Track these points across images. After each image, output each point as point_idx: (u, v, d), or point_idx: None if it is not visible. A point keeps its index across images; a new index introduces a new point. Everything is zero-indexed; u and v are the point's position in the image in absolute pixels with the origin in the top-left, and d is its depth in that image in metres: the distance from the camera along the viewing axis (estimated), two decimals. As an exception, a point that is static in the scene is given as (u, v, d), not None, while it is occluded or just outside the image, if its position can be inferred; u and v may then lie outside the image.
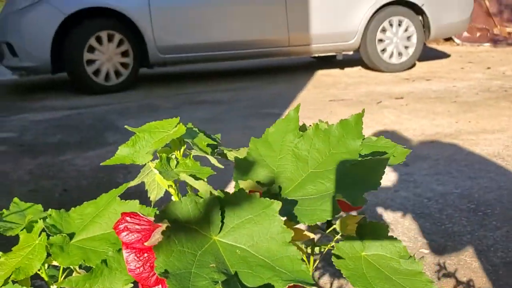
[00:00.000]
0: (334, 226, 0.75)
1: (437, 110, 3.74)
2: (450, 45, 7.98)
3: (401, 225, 1.96)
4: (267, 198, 0.49)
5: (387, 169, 2.45)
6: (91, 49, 4.69)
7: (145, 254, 0.46)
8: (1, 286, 0.58)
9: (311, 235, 0.66)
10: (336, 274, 1.64)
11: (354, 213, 0.74)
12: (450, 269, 1.65)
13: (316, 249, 0.74)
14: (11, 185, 2.38)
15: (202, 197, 0.49)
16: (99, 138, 3.23)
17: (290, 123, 0.69)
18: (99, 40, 4.71)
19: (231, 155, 0.77)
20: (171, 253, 0.41)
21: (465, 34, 7.75)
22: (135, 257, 0.46)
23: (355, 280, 0.63)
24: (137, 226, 0.47)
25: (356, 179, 0.63)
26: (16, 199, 0.71)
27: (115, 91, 4.80)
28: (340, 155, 0.67)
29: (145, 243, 0.46)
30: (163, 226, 0.45)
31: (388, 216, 2.04)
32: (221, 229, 0.47)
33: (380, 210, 2.10)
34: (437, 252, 1.75)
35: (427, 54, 6.61)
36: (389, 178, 2.43)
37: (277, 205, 0.49)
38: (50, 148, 3.04)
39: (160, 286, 0.55)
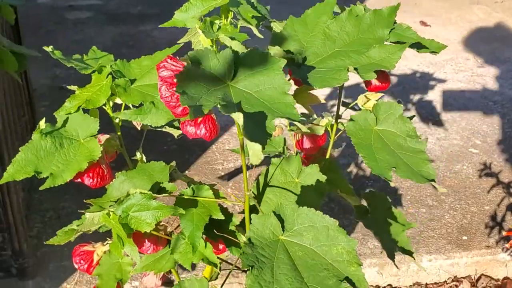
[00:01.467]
0: (356, 101, 0.85)
1: (536, 11, 3.42)
2: None
3: (457, 124, 1.99)
4: (275, 57, 0.60)
5: (458, 68, 2.37)
6: None
7: (174, 88, 0.59)
8: (74, 112, 0.76)
9: (322, 100, 0.76)
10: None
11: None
12: (494, 170, 1.70)
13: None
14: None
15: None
16: (177, 12, 3.35)
17: (327, 7, 0.76)
18: None
19: (277, 26, 0.86)
20: (189, 83, 0.55)
21: None
22: (166, 88, 0.60)
23: (360, 148, 0.74)
24: (173, 67, 0.60)
25: (373, 60, 0.71)
26: (94, 48, 0.87)
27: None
28: (366, 40, 0.74)
29: (174, 80, 0.59)
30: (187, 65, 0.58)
31: (446, 114, 2.06)
32: (233, 77, 0.59)
33: (439, 107, 2.12)
34: (487, 153, 1.79)
35: None
36: (457, 77, 2.38)
37: (282, 62, 0.59)
38: (131, 18, 3.22)
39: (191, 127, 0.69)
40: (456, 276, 1.37)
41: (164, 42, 2.79)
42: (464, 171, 1.70)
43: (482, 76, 2.41)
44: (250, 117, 0.55)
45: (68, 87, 0.82)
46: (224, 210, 0.79)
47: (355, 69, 0.70)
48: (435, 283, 1.36)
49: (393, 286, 1.35)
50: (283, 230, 0.65)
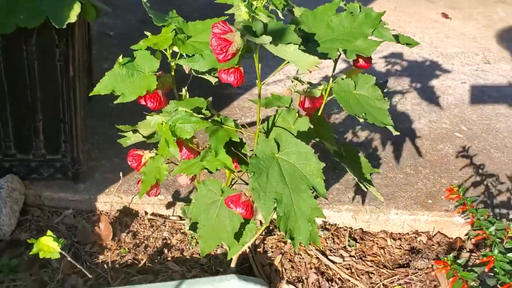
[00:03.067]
0: (343, 74, 1.21)
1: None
2: None
3: (450, 111, 2.33)
4: (290, 26, 0.98)
5: (465, 61, 2.66)
6: None
7: (220, 41, 0.96)
8: (144, 50, 1.13)
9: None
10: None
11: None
12: (470, 153, 2.05)
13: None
14: (138, 4, 2.98)
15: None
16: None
17: (333, 6, 1.12)
18: None
19: (297, 11, 1.22)
20: (242, 39, 0.92)
21: None
22: (215, 40, 0.96)
23: (341, 101, 1.11)
24: (222, 27, 0.96)
25: (357, 48, 1.07)
26: (174, 10, 1.21)
27: None
28: (355, 33, 1.11)
29: (222, 36, 0.96)
30: (237, 32, 0.95)
31: (443, 101, 2.40)
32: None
33: (438, 94, 2.46)
34: (469, 139, 2.14)
35: None
36: (463, 70, 2.71)
37: (292, 27, 0.97)
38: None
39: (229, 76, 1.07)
40: (417, 230, 1.75)
41: (199, 4, 3.14)
42: (445, 150, 2.06)
43: (486, 72, 2.73)
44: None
45: (145, 32, 1.18)
46: (240, 140, 1.17)
47: (344, 51, 1.07)
48: (399, 233, 1.74)
49: (364, 230, 1.74)
50: (278, 151, 1.03)
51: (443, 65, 2.76)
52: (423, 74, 2.65)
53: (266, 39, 0.93)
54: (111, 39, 2.55)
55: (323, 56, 1.05)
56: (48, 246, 1.21)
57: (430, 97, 2.44)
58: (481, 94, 2.51)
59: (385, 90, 2.48)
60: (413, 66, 2.72)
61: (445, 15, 3.43)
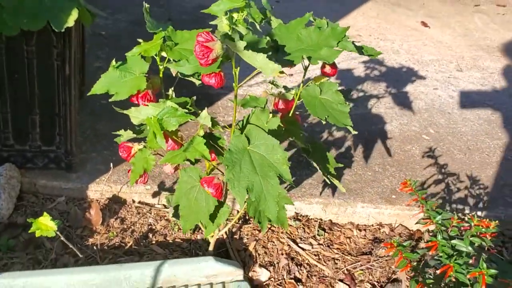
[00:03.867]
0: (311, 80, 1.41)
1: (532, 27, 3.92)
2: None
3: (420, 115, 2.55)
4: (263, 39, 1.17)
5: (439, 69, 2.92)
6: None
7: (204, 49, 1.15)
8: (137, 55, 1.32)
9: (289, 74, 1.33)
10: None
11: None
12: (435, 154, 2.27)
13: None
14: (127, 5, 3.17)
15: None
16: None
17: (303, 21, 1.32)
18: None
19: (274, 22, 1.42)
20: (220, 47, 1.11)
21: None
22: (199, 47, 1.15)
23: (308, 106, 1.31)
24: (205, 36, 1.15)
25: (321, 56, 1.27)
26: (169, 23, 1.41)
27: None
28: (322, 44, 1.30)
29: (204, 43, 1.15)
30: (217, 41, 1.14)
31: (415, 105, 2.62)
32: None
33: (411, 98, 2.67)
34: (435, 141, 2.36)
35: None
36: (436, 77, 2.93)
37: (265, 40, 1.16)
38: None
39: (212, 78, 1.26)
40: (381, 222, 1.96)
41: (190, 7, 3.33)
42: (412, 151, 2.28)
43: (457, 79, 2.96)
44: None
45: (138, 39, 1.37)
46: (218, 134, 1.37)
47: (308, 57, 1.27)
48: (364, 224, 1.95)
49: (333, 221, 1.94)
50: (249, 144, 1.23)
51: (418, 72, 2.99)
52: (399, 79, 2.87)
53: (241, 44, 1.12)
54: (102, 39, 2.73)
55: (289, 63, 1.25)
56: (45, 225, 1.40)
57: (403, 101, 2.66)
58: (451, 100, 2.73)
59: (361, 94, 2.71)
60: (390, 71, 2.94)
61: (424, 24, 3.66)
